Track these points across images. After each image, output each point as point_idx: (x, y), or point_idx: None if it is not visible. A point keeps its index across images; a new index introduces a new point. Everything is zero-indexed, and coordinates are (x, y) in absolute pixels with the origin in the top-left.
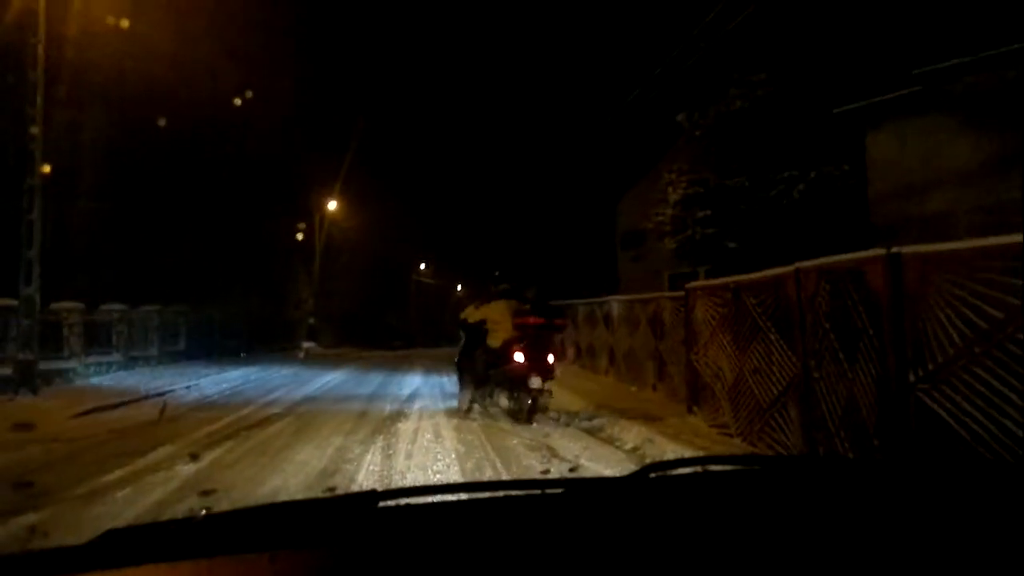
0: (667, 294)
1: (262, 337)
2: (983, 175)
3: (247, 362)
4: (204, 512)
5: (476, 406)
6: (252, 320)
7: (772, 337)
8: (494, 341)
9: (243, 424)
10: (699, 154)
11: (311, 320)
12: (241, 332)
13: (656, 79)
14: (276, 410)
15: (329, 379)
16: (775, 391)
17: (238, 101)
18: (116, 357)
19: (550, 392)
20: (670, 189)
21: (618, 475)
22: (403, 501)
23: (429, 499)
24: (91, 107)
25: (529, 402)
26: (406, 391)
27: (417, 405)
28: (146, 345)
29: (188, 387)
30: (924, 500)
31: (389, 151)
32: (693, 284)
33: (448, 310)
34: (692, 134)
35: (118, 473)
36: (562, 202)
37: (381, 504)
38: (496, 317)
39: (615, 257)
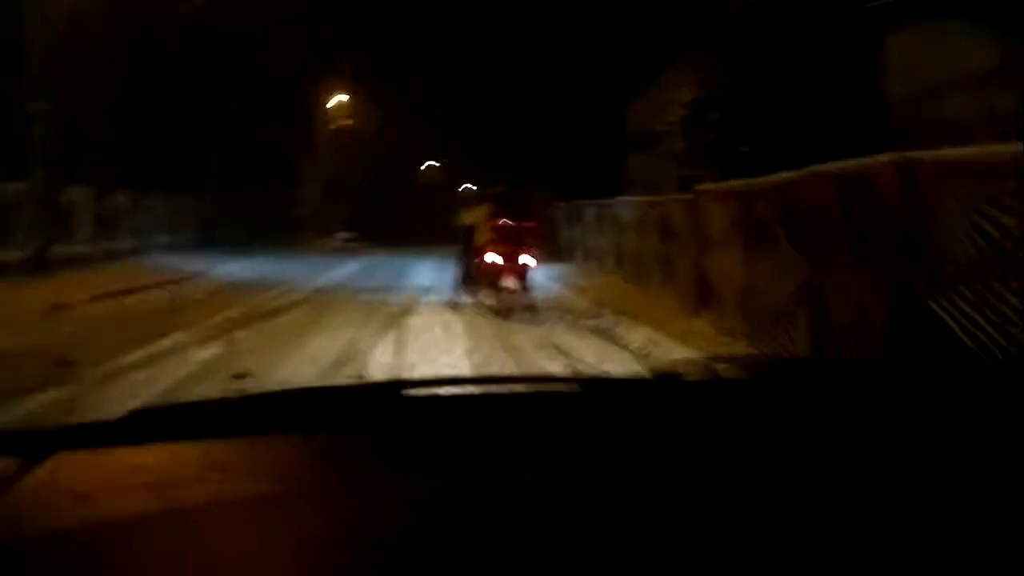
0: (675, 196)
1: (271, 230)
2: (1001, 79)
3: (257, 252)
4: (237, 394)
5: (468, 299)
6: (261, 212)
7: (783, 243)
8: (478, 242)
9: (257, 313)
10: (710, 56)
11: (344, 215)
12: (250, 223)
13: None
14: (289, 299)
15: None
16: (785, 297)
17: None
18: (126, 244)
19: (528, 289)
20: (684, 90)
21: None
22: (428, 391)
23: (453, 390)
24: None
25: (506, 299)
26: (414, 287)
27: (424, 299)
28: (155, 233)
29: (198, 273)
30: (922, 400)
31: (396, 47)
32: (703, 187)
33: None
34: (706, 32)
35: (133, 357)
36: (571, 102)
37: (406, 392)
38: (480, 220)
39: (624, 158)
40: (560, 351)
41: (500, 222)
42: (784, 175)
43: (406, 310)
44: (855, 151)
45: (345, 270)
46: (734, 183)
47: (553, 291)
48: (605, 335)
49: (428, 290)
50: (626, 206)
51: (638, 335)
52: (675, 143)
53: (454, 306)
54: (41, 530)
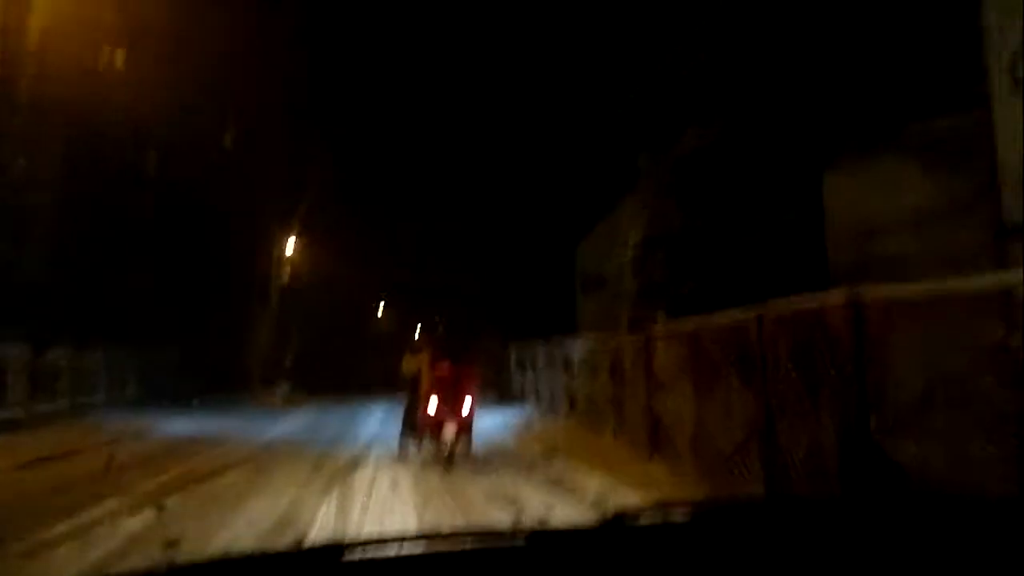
0: (627, 337)
1: (218, 381)
2: (943, 217)
3: (204, 409)
4: (167, 564)
5: (414, 451)
6: (207, 365)
7: (734, 382)
8: (421, 390)
9: (193, 476)
10: (658, 196)
11: (288, 362)
12: (196, 376)
13: (615, 120)
14: (229, 459)
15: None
16: (737, 437)
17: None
18: (62, 404)
19: (471, 437)
20: (633, 231)
21: (572, 525)
22: (369, 554)
23: (394, 552)
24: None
25: (446, 449)
26: (362, 439)
27: (374, 453)
28: (94, 391)
29: (137, 433)
30: (880, 535)
31: (351, 191)
32: (655, 328)
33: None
34: (652, 176)
35: (60, 528)
36: (522, 243)
37: (347, 557)
38: (423, 367)
39: (574, 300)
40: (511, 502)
41: (439, 370)
42: (733, 314)
43: (352, 465)
44: (799, 289)
45: (291, 424)
46: (684, 323)
47: (505, 438)
48: (558, 484)
49: (376, 442)
50: (576, 346)
51: (593, 482)
52: (625, 283)
53: (402, 459)
54: None
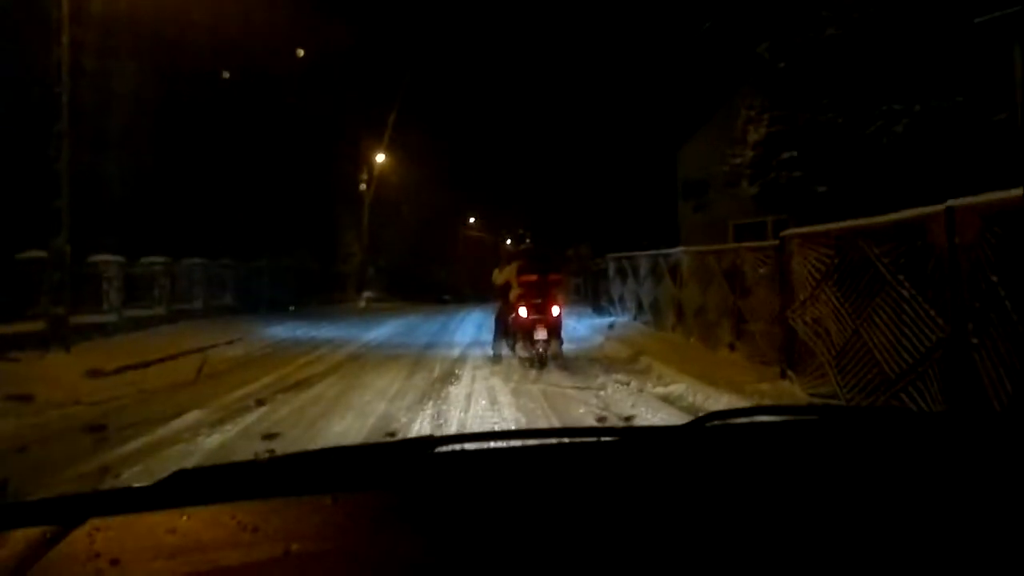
0: (748, 244)
1: (312, 290)
2: None
3: (296, 316)
4: (268, 454)
5: (508, 353)
6: (301, 273)
7: (904, 293)
8: (511, 298)
9: (282, 385)
10: (782, 89)
11: (371, 270)
12: (290, 285)
13: (726, 8)
14: (318, 368)
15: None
16: (908, 358)
17: (289, 51)
18: (159, 311)
19: (560, 341)
20: (751, 128)
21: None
22: (459, 447)
23: (484, 445)
24: (128, 52)
25: (540, 351)
26: (456, 344)
27: (470, 356)
28: (191, 299)
29: (231, 342)
30: (987, 456)
31: (438, 102)
32: (791, 232)
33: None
34: (775, 66)
35: (132, 445)
36: (618, 151)
37: (438, 449)
38: (511, 277)
39: (675, 208)
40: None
41: (528, 279)
42: (905, 213)
43: (450, 369)
44: (962, 189)
45: (388, 329)
46: (829, 226)
47: (608, 348)
48: (680, 404)
49: (471, 345)
50: (687, 256)
51: (722, 404)
52: (742, 186)
53: (496, 361)
54: None
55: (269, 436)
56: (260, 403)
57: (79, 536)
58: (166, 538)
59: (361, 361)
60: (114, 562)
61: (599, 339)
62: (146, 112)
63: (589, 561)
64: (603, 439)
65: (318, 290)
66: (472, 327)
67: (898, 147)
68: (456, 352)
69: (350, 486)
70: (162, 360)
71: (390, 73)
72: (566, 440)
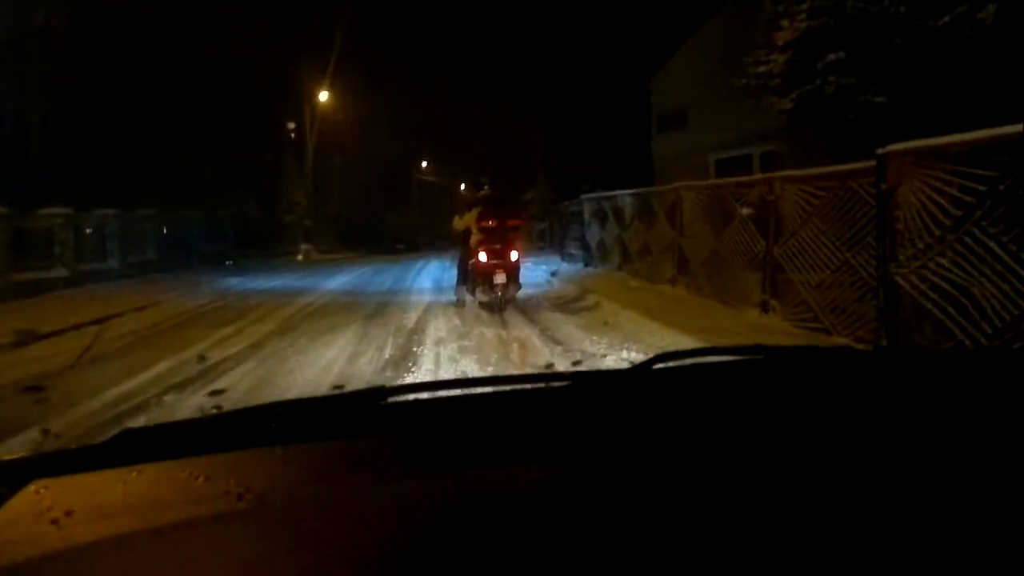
0: (785, 173)
1: (252, 242)
2: None
3: (233, 271)
4: (214, 410)
5: (469, 297)
6: (240, 224)
7: None
8: (472, 243)
9: (183, 374)
10: None
11: (307, 222)
12: (228, 237)
13: None
14: (238, 346)
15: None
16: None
17: None
18: (59, 272)
19: (519, 285)
20: (783, 24)
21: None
22: (410, 397)
23: (435, 394)
24: None
25: (498, 295)
26: (413, 305)
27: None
28: (103, 256)
29: (142, 308)
30: (925, 387)
31: (385, 33)
32: (898, 147)
33: (453, 211)
34: None
35: None
36: (583, 83)
37: (389, 399)
38: (471, 222)
39: (648, 144)
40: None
41: (486, 224)
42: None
43: (411, 310)
44: None
45: (331, 286)
46: (977, 134)
47: (592, 304)
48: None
49: (430, 311)
50: (692, 193)
51: None
52: (770, 100)
53: (459, 305)
54: (19, 557)
55: (215, 392)
56: (140, 410)
57: (23, 498)
58: (114, 496)
59: (294, 334)
60: (58, 521)
61: (571, 290)
62: (59, 48)
63: (538, 507)
64: (552, 384)
65: (261, 242)
66: (429, 281)
67: (984, 42)
68: (412, 318)
69: (300, 438)
70: (42, 337)
71: (333, 4)
72: (517, 387)
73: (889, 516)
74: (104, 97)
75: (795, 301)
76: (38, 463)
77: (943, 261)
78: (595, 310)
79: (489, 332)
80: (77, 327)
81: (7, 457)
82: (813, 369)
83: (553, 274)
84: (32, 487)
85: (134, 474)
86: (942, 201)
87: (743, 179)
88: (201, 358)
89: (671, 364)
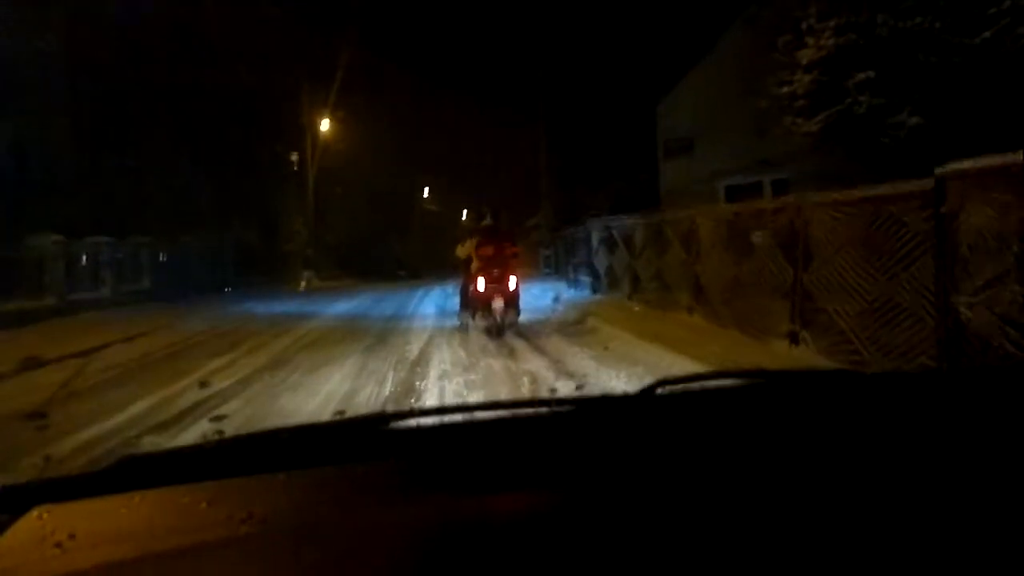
0: (817, 197)
1: (251, 270)
2: None
3: (232, 299)
4: (216, 439)
5: (471, 322)
6: (240, 252)
7: None
8: (472, 271)
9: (160, 415)
10: None
11: (309, 250)
12: (226, 265)
13: None
14: (224, 382)
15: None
16: None
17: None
18: (48, 301)
19: (518, 311)
20: (809, 41)
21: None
22: (414, 422)
23: (439, 420)
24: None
25: (497, 320)
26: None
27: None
28: (96, 285)
29: (130, 339)
30: (928, 410)
31: (388, 65)
32: (959, 167)
33: (455, 239)
34: None
35: None
36: (586, 113)
37: (392, 425)
38: (471, 250)
39: (655, 171)
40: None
41: (485, 252)
42: None
43: (413, 340)
44: None
45: (330, 315)
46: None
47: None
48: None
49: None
50: (708, 220)
51: None
52: (796, 121)
53: (463, 330)
54: None
55: (217, 418)
56: (106, 455)
57: (25, 523)
58: (116, 521)
59: (288, 368)
60: (62, 544)
61: (583, 319)
62: (56, 72)
63: (541, 532)
64: (556, 409)
65: (260, 270)
66: (431, 308)
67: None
68: (414, 349)
69: (303, 463)
70: (21, 371)
71: (335, 34)
72: (520, 412)
73: (892, 538)
74: (103, 122)
75: (830, 332)
76: (39, 489)
77: (1018, 290)
78: (608, 341)
79: (497, 364)
80: (59, 360)
81: (5, 484)
82: (815, 393)
83: (556, 300)
84: (35, 512)
85: (137, 499)
86: (1012, 224)
87: (767, 204)
88: (192, 391)
89: (674, 389)
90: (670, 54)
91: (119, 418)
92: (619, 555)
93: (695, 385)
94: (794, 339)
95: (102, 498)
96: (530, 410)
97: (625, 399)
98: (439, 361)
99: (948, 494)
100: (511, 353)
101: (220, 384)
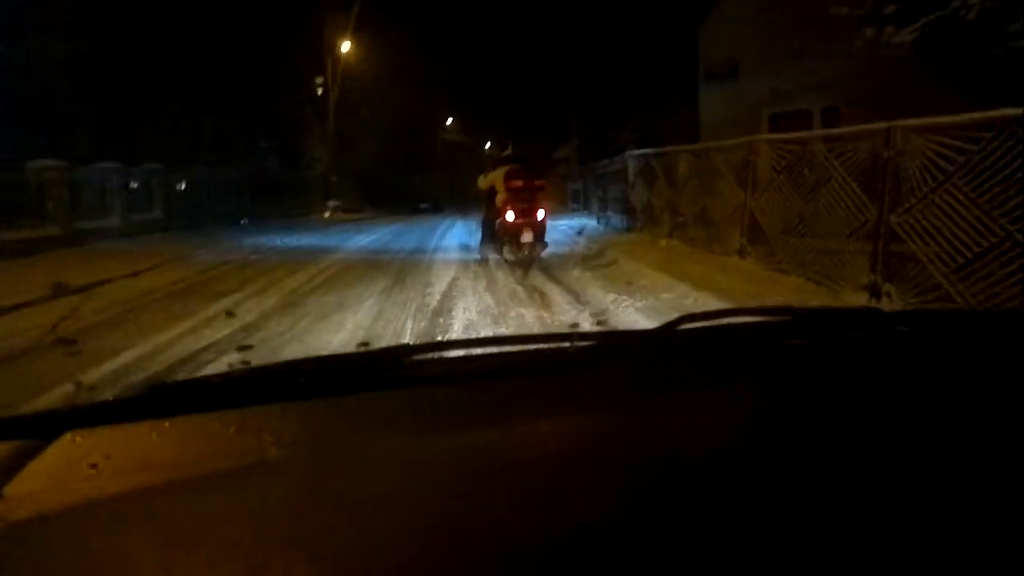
0: (913, 122)
1: (271, 199)
2: None
3: (245, 231)
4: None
5: (494, 255)
6: (258, 181)
7: None
8: (498, 202)
9: (160, 359)
10: None
11: (333, 178)
12: (243, 194)
13: None
14: (228, 327)
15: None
16: None
17: None
18: (52, 230)
19: (544, 244)
20: None
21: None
22: (435, 354)
23: (462, 352)
24: None
25: (525, 253)
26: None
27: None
28: (104, 214)
29: (136, 273)
30: (953, 349)
31: None
32: None
33: (478, 171)
34: None
35: None
36: (621, 33)
37: (416, 357)
38: (497, 181)
39: (694, 98)
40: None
41: (514, 183)
42: None
43: (435, 281)
44: None
45: (351, 248)
46: None
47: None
48: None
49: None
50: (768, 146)
51: None
52: (866, 33)
53: (484, 262)
54: (52, 507)
55: (243, 348)
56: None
57: (59, 447)
58: (148, 447)
59: (296, 313)
60: (97, 465)
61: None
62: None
63: (561, 462)
64: (577, 344)
65: (279, 199)
66: (454, 246)
67: None
68: (435, 294)
69: (328, 392)
70: (11, 309)
71: None
72: (541, 346)
73: (915, 484)
74: (118, 45)
75: (921, 286)
76: (71, 415)
77: None
78: (655, 289)
79: (529, 314)
80: (63, 294)
81: (36, 410)
82: (839, 331)
83: (584, 235)
84: (68, 436)
85: (167, 425)
86: None
87: (845, 130)
88: (185, 339)
89: (696, 324)
90: None
91: (106, 368)
92: (635, 494)
93: (717, 321)
94: (875, 292)
95: (133, 424)
96: (552, 344)
97: (647, 334)
98: (463, 308)
99: (985, 443)
100: (543, 302)
101: (220, 332)
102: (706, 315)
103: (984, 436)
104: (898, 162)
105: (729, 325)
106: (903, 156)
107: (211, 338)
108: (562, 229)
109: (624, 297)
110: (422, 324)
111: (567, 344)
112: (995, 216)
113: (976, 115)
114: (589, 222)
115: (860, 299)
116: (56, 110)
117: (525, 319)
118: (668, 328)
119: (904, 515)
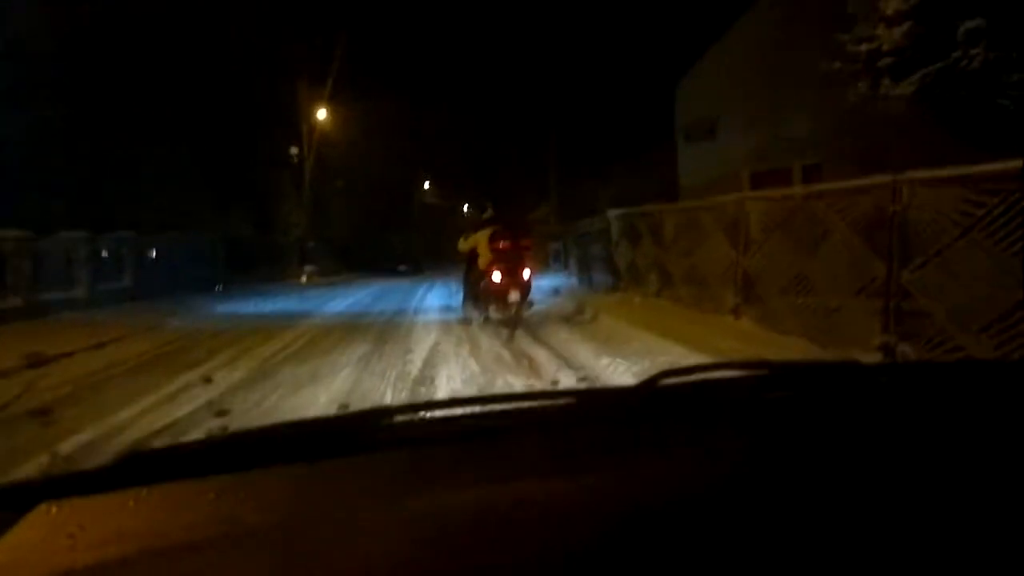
0: (923, 174)
1: (248, 265)
2: None
3: (219, 298)
4: (220, 434)
5: (476, 316)
6: (234, 246)
7: None
8: (481, 264)
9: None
10: None
11: (310, 243)
12: (218, 260)
13: None
14: (182, 410)
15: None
16: None
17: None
18: (13, 302)
19: (530, 303)
20: None
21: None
22: (417, 415)
23: (441, 413)
24: None
25: (514, 312)
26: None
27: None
28: (70, 284)
29: (101, 345)
30: (936, 406)
31: (388, 52)
32: None
33: (456, 232)
34: None
35: None
36: (599, 92)
37: (395, 419)
38: (480, 243)
39: (672, 156)
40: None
41: (499, 244)
42: None
43: (416, 347)
44: None
45: (328, 312)
46: None
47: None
48: None
49: (438, 323)
50: (762, 204)
51: None
52: (860, 86)
53: (467, 323)
54: None
55: (221, 413)
56: None
57: (33, 518)
58: (124, 516)
59: (267, 386)
60: (73, 536)
61: (621, 328)
62: (41, 61)
63: (545, 523)
64: (558, 402)
65: (255, 265)
66: (435, 309)
67: None
68: (416, 361)
69: (307, 457)
70: None
71: (331, 20)
72: (522, 405)
73: (896, 531)
74: (89, 113)
75: (941, 347)
76: (45, 485)
77: None
78: (645, 351)
79: (518, 383)
80: (5, 374)
81: (11, 482)
82: (819, 384)
83: (572, 298)
84: (42, 507)
85: (144, 493)
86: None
87: (846, 184)
88: (151, 414)
89: (676, 380)
90: (690, 32)
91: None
92: (621, 548)
93: (697, 376)
94: (889, 352)
95: (109, 494)
96: (533, 403)
97: (628, 390)
98: (447, 377)
99: (954, 492)
100: (532, 367)
101: (182, 409)
102: (686, 370)
103: (963, 487)
104: (906, 216)
105: (709, 380)
106: (911, 210)
107: (169, 417)
108: (545, 289)
109: (619, 360)
110: (402, 395)
111: (548, 402)
112: (1021, 270)
113: (997, 165)
114: (568, 281)
115: (875, 359)
116: (28, 179)
117: (514, 389)
118: (649, 384)
119: (885, 567)
